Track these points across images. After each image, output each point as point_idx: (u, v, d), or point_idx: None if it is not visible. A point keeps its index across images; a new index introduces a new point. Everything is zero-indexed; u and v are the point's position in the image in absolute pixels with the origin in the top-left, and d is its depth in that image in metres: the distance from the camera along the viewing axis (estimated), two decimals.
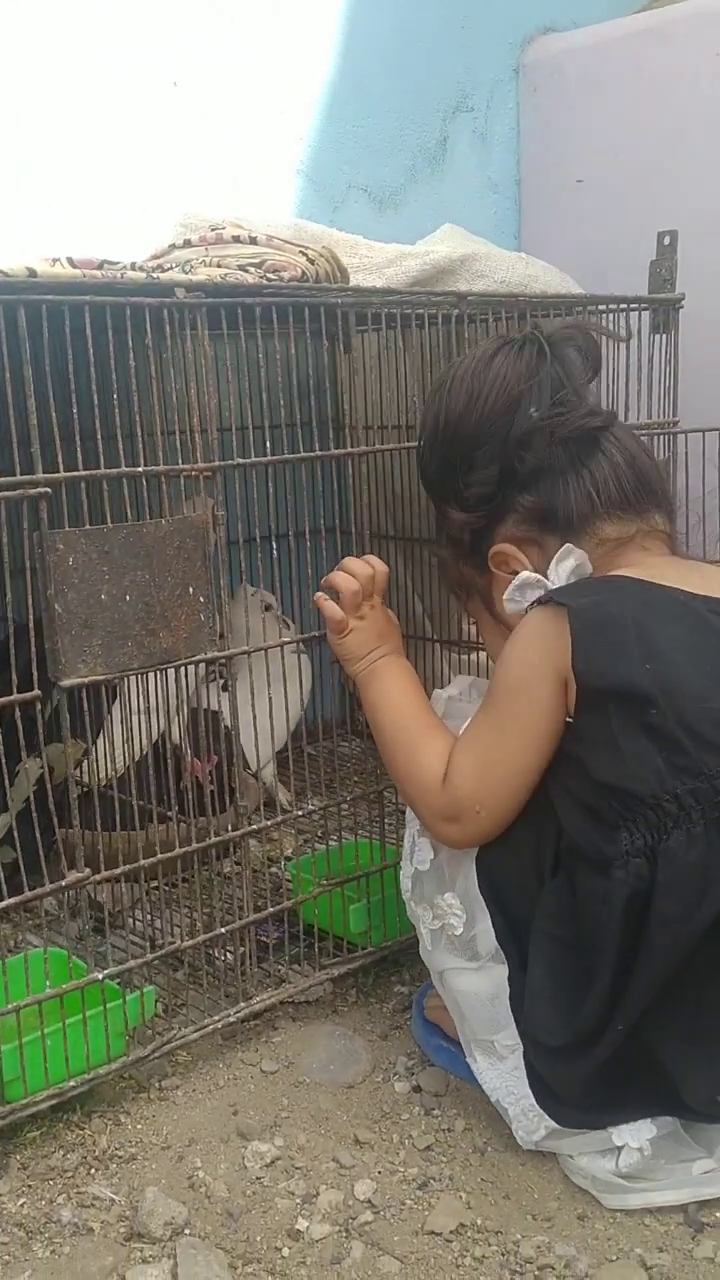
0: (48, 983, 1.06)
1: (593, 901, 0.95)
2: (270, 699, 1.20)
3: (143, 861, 1.11)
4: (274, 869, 1.48)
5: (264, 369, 1.14)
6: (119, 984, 1.11)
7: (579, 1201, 0.99)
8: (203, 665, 1.14)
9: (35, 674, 1.00)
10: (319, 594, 1.16)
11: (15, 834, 1.29)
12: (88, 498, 1.02)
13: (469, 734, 1.04)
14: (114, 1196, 1.00)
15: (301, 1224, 0.96)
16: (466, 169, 2.09)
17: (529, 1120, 1.02)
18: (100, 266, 1.07)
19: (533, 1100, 1.01)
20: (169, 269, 1.17)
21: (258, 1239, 0.95)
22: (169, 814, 1.18)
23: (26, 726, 0.99)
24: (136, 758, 1.24)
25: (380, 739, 1.11)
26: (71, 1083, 1.06)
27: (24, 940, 1.30)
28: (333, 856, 1.31)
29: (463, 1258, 0.93)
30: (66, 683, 1.01)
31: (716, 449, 1.51)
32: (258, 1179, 1.02)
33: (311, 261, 1.17)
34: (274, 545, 1.20)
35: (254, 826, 1.21)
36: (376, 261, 1.35)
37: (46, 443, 0.98)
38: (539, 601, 1.00)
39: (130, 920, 1.34)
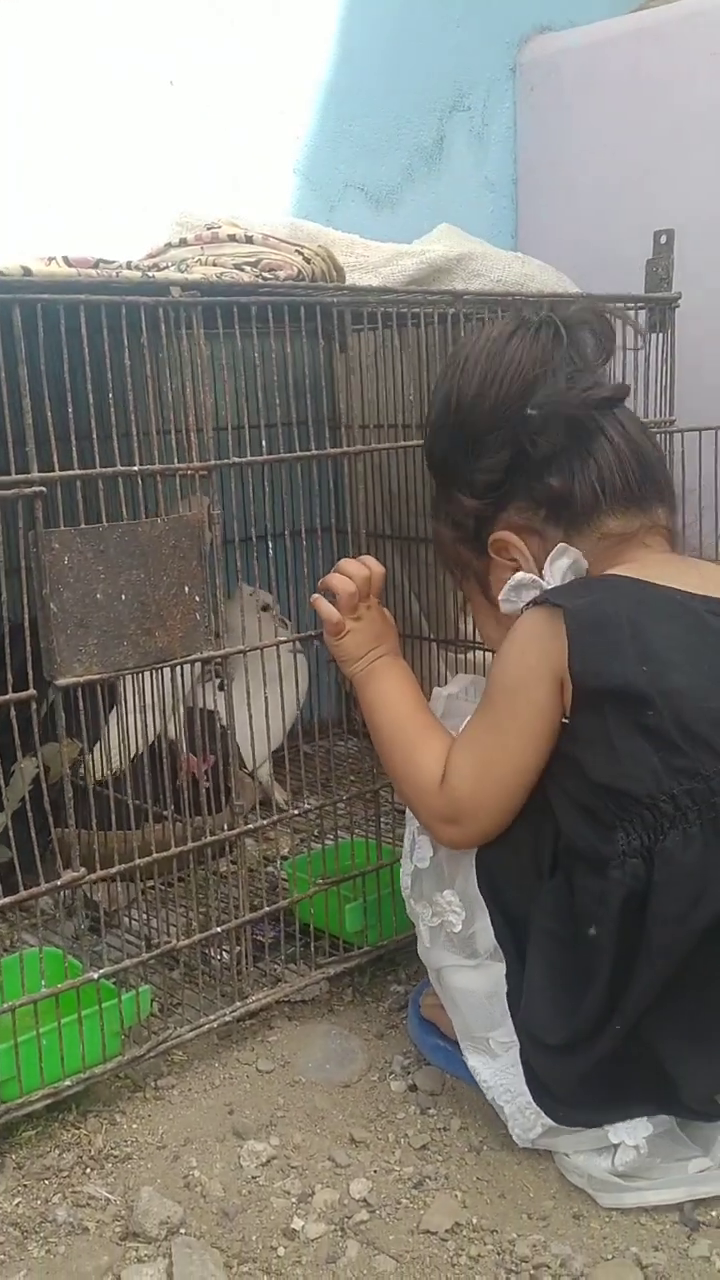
0: (43, 982, 1.06)
1: (590, 901, 0.96)
2: (266, 698, 1.20)
3: (138, 861, 1.11)
4: (270, 868, 1.48)
5: (260, 368, 1.14)
6: (114, 983, 1.11)
7: (575, 1200, 0.99)
8: (199, 665, 1.14)
9: (30, 673, 0.99)
10: (315, 595, 1.16)
11: (11, 833, 1.29)
12: (83, 497, 1.02)
13: (466, 735, 1.04)
14: (109, 1196, 1.00)
15: (297, 1223, 0.96)
16: (463, 168, 2.09)
17: (525, 1118, 1.02)
18: (96, 265, 1.07)
19: (529, 1098, 1.01)
20: (165, 268, 1.17)
21: (253, 1238, 0.95)
22: (165, 813, 1.18)
23: (22, 726, 0.99)
24: (133, 757, 1.24)
25: (378, 740, 1.11)
26: (67, 1082, 1.06)
27: (20, 940, 1.30)
28: (328, 856, 1.31)
29: (458, 1257, 0.93)
30: (62, 682, 1.01)
31: (713, 448, 1.51)
32: (253, 1178, 1.02)
33: (307, 260, 1.17)
34: (270, 545, 1.20)
35: (250, 826, 1.21)
36: (373, 260, 1.35)
37: (42, 442, 0.98)
38: (535, 602, 1.00)
39: (126, 920, 1.33)
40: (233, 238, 1.22)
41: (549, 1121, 1.00)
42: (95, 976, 1.08)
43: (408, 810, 1.13)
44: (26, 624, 1.00)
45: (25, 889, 1.03)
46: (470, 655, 1.59)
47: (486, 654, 1.51)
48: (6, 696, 0.99)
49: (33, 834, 1.04)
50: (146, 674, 1.10)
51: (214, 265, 1.16)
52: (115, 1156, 1.04)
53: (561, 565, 1.02)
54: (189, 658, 1.10)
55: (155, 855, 1.13)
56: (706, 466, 1.48)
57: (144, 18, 1.68)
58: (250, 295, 1.12)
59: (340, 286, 1.20)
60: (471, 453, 1.07)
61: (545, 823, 1.01)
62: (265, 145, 1.82)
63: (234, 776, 1.19)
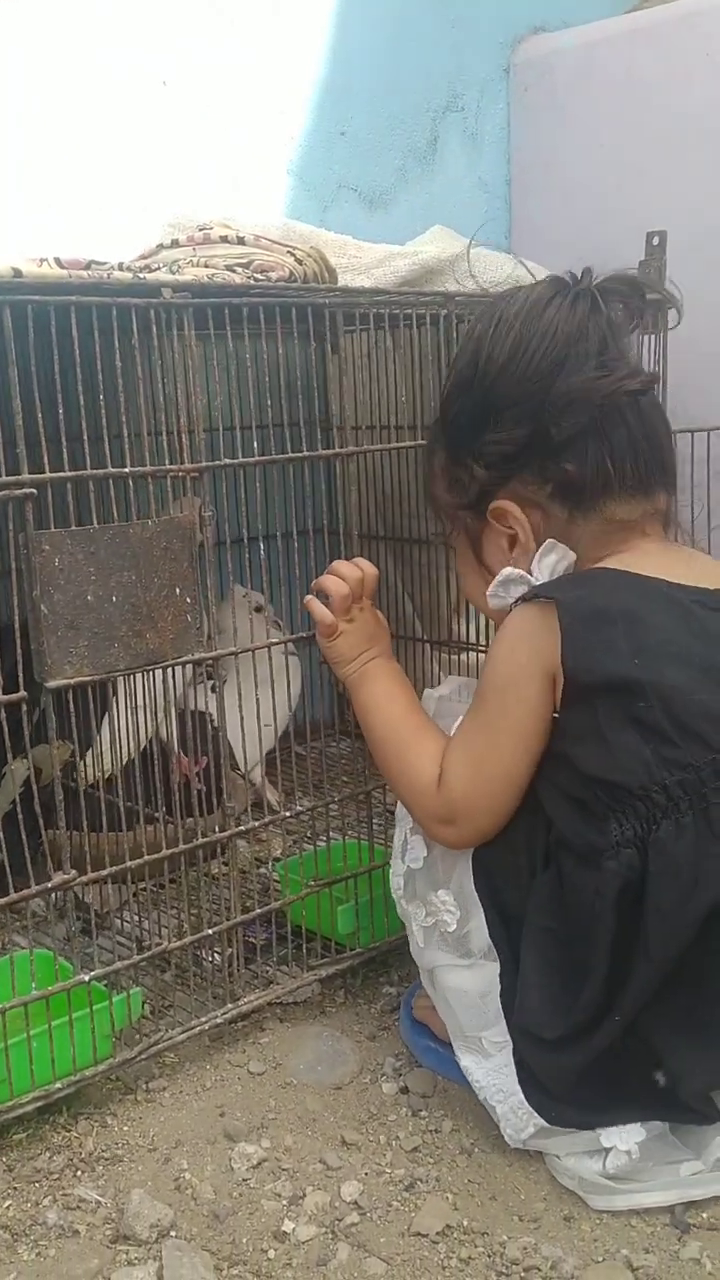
0: (34, 984, 1.06)
1: (585, 894, 0.96)
2: (258, 700, 1.20)
3: (130, 863, 1.11)
4: (262, 870, 1.48)
5: (251, 369, 1.14)
6: (106, 985, 1.11)
7: (566, 1203, 0.99)
8: (191, 666, 1.14)
9: (21, 675, 0.99)
10: (309, 597, 1.16)
11: (2, 836, 1.28)
12: (74, 499, 1.02)
13: (460, 735, 1.04)
14: (100, 1199, 0.99)
15: (288, 1225, 0.96)
16: (457, 169, 2.09)
17: (517, 1118, 1.02)
18: (88, 267, 1.06)
19: (521, 1098, 1.01)
20: (156, 269, 1.17)
21: (244, 1241, 0.95)
22: (156, 815, 1.18)
23: (12, 728, 0.99)
24: (124, 760, 1.23)
25: (372, 742, 1.11)
26: (58, 1085, 1.06)
27: (10, 941, 1.30)
28: (320, 857, 1.31)
29: (449, 1259, 0.93)
30: (52, 684, 1.01)
31: (706, 449, 1.51)
32: (244, 1180, 1.01)
33: (299, 262, 1.17)
34: (263, 546, 1.20)
35: (242, 828, 1.21)
36: (365, 262, 1.35)
37: (32, 443, 0.98)
38: (524, 598, 1.00)
39: (117, 921, 1.33)
40: (224, 239, 1.22)
41: (541, 1122, 1.00)
42: (86, 978, 1.08)
43: (398, 811, 1.13)
44: (17, 626, 1.00)
45: (16, 891, 1.03)
46: (464, 657, 1.59)
47: (480, 655, 1.51)
48: None
49: (23, 836, 1.04)
50: (138, 676, 1.10)
51: (206, 266, 1.15)
52: (106, 1159, 1.04)
53: (550, 561, 1.03)
54: (180, 659, 1.10)
55: (147, 857, 1.13)
56: (698, 468, 1.48)
57: (143, 18, 1.67)
58: (242, 297, 1.12)
59: (332, 288, 1.20)
60: (489, 421, 1.05)
61: (538, 819, 1.01)
62: (260, 145, 1.82)
63: (226, 778, 1.19)
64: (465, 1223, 0.96)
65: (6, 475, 0.97)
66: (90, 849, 1.08)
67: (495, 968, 1.04)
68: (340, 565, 1.15)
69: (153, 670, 1.08)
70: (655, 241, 1.49)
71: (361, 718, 1.13)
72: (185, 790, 1.20)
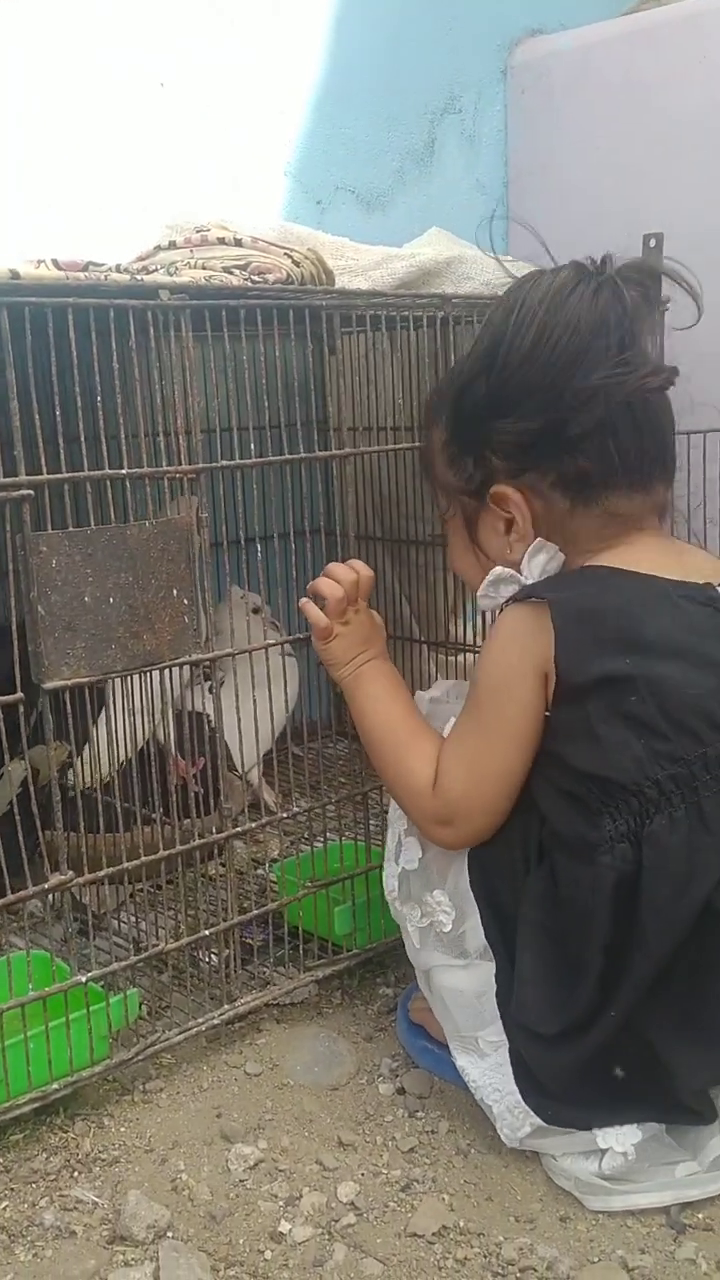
0: (31, 985, 1.06)
1: (581, 889, 0.96)
2: (255, 701, 1.20)
3: (127, 864, 1.11)
4: (259, 871, 1.48)
5: (249, 370, 1.14)
6: (103, 986, 1.11)
7: (561, 1203, 0.99)
8: (188, 668, 1.14)
9: (18, 677, 0.99)
10: (303, 600, 1.16)
11: None
12: (71, 500, 1.02)
13: (455, 737, 1.04)
14: (96, 1199, 1.00)
15: (284, 1226, 0.96)
16: (454, 170, 2.09)
17: (514, 1117, 1.02)
18: (85, 269, 1.06)
19: (518, 1097, 1.01)
20: (153, 271, 1.17)
21: (240, 1242, 0.95)
22: (154, 816, 1.18)
23: (10, 729, 0.99)
24: (121, 761, 1.24)
25: (368, 744, 1.12)
26: (55, 1085, 1.06)
27: (7, 942, 1.30)
28: (318, 858, 1.31)
29: (445, 1260, 0.93)
30: (49, 685, 1.01)
31: (701, 451, 1.51)
32: (241, 1181, 1.02)
33: (296, 264, 1.17)
34: (259, 547, 1.21)
35: (239, 829, 1.21)
36: (362, 264, 1.35)
37: (30, 445, 0.98)
38: (515, 598, 1.00)
39: (115, 922, 1.33)
40: (222, 241, 1.22)
41: (537, 1121, 1.00)
42: (83, 979, 1.08)
43: (391, 813, 1.13)
44: (14, 627, 1.00)
45: (13, 892, 1.03)
46: (460, 657, 1.59)
47: (477, 656, 1.51)
48: None
49: (20, 837, 1.04)
50: (135, 677, 1.10)
51: (203, 268, 1.15)
52: (103, 1160, 1.04)
53: (539, 561, 1.03)
54: (177, 661, 1.10)
55: (144, 858, 1.13)
56: (695, 471, 1.48)
57: (143, 18, 1.67)
58: (239, 299, 1.12)
59: (329, 290, 1.20)
60: (505, 410, 1.02)
61: (531, 816, 1.02)
62: (258, 147, 1.82)
63: (223, 779, 1.19)
64: (461, 1223, 0.97)
65: (4, 477, 0.98)
66: (87, 850, 1.08)
67: (491, 967, 1.04)
68: (335, 568, 1.15)
69: (150, 671, 1.09)
70: (652, 244, 1.50)
71: (357, 720, 1.13)
72: (182, 791, 1.20)
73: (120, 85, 1.66)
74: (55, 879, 1.05)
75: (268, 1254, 0.94)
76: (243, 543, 1.18)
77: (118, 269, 1.09)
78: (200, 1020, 1.17)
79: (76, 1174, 1.03)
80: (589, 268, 1.02)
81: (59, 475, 1.00)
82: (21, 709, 1.00)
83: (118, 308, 1.02)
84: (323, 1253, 0.94)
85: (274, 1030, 1.23)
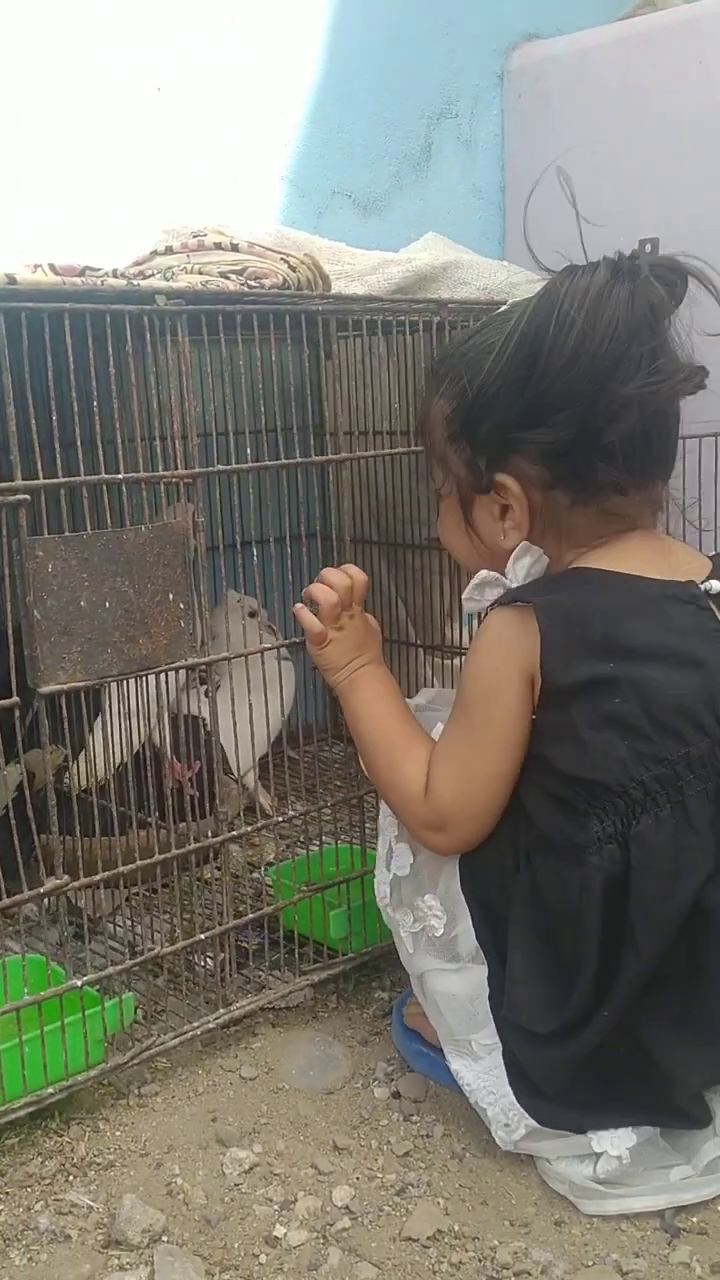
0: (26, 989, 1.06)
1: (571, 891, 0.97)
2: (251, 705, 1.20)
3: (122, 868, 1.11)
4: (255, 874, 1.48)
5: (245, 375, 1.14)
6: (98, 990, 1.11)
7: (556, 1207, 0.99)
8: (184, 672, 1.14)
9: (14, 681, 1.00)
10: (297, 605, 1.16)
11: None
12: (68, 505, 1.02)
13: (444, 743, 1.05)
14: (92, 1204, 1.00)
15: (279, 1231, 0.96)
16: (451, 175, 2.09)
17: (508, 1119, 1.02)
18: (82, 273, 1.07)
19: (512, 1099, 1.01)
20: (150, 276, 1.17)
21: (235, 1246, 0.95)
22: (149, 819, 1.18)
23: (5, 733, 0.99)
24: (117, 765, 1.24)
25: (362, 749, 1.12)
26: (50, 1090, 1.06)
27: (3, 946, 1.30)
28: (313, 862, 1.31)
29: (440, 1264, 0.93)
30: (45, 690, 1.01)
31: (696, 454, 1.51)
32: (236, 1186, 1.02)
33: (293, 269, 1.17)
34: (255, 551, 1.21)
35: (235, 832, 1.21)
36: (359, 269, 1.36)
37: (26, 450, 0.98)
38: (500, 602, 1.00)
39: (110, 926, 1.33)
40: (219, 245, 1.22)
41: (532, 1123, 1.01)
42: (79, 984, 1.08)
43: (381, 820, 1.13)
44: (10, 631, 1.00)
45: (8, 895, 1.03)
46: (456, 661, 1.60)
47: (464, 661, 1.52)
48: None
49: (15, 841, 1.04)
50: (131, 682, 1.10)
51: (200, 273, 1.16)
52: (98, 1164, 1.04)
53: (524, 564, 1.03)
54: (173, 665, 1.10)
55: (140, 862, 1.13)
56: (690, 473, 1.49)
57: (143, 19, 1.68)
58: (235, 304, 1.12)
59: (325, 295, 1.21)
60: (537, 420, 0.99)
61: (520, 818, 1.02)
62: (255, 151, 1.83)
63: (219, 782, 1.19)
64: (456, 1227, 0.97)
65: (0, 482, 0.98)
66: (83, 854, 1.08)
67: (483, 970, 1.04)
68: (329, 573, 1.16)
69: (146, 676, 1.09)
70: (648, 249, 1.50)
71: (351, 725, 1.13)
72: (178, 795, 1.20)
73: (120, 86, 1.66)
74: (51, 883, 1.05)
75: (262, 1258, 0.94)
76: (239, 547, 1.19)
77: (114, 274, 1.09)
78: (196, 1024, 1.17)
79: (71, 1178, 1.03)
80: (623, 265, 0.99)
81: (55, 480, 1.01)
82: (17, 713, 1.00)
83: (114, 313, 1.03)
84: (317, 1257, 0.94)
85: (269, 1034, 1.23)
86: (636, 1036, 0.97)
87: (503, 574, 1.05)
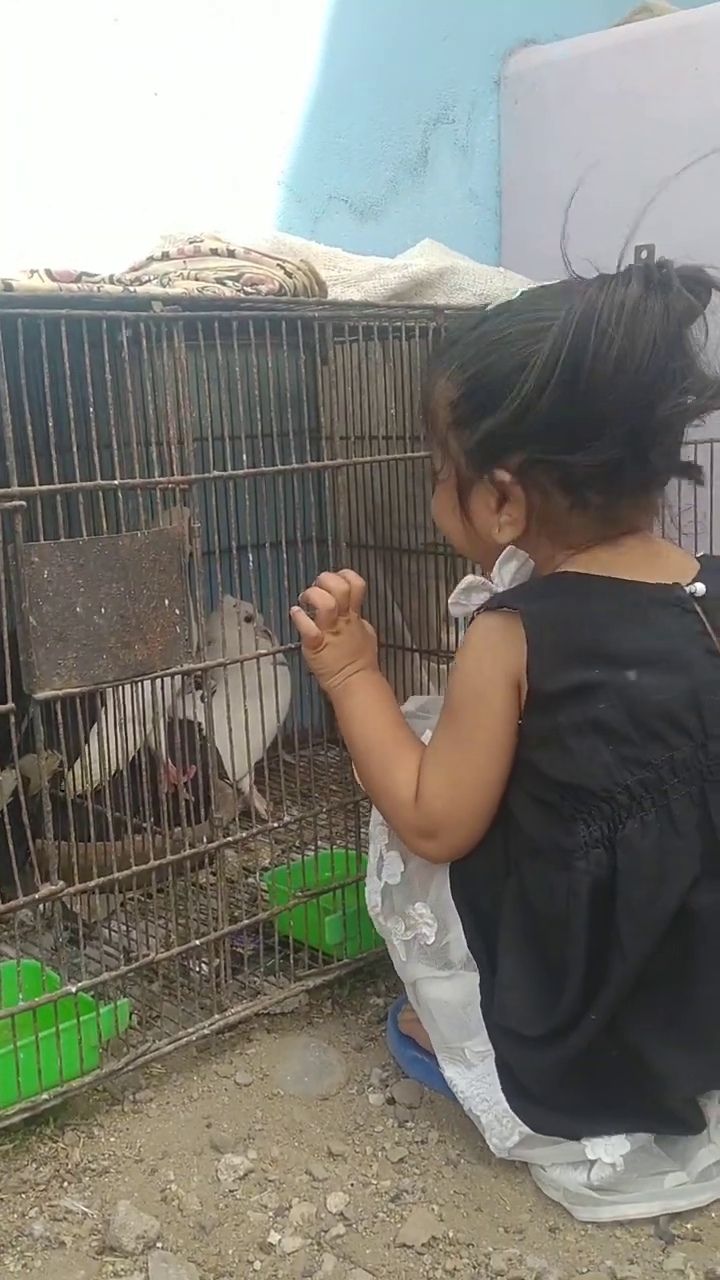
0: (21, 996, 1.06)
1: (559, 895, 0.97)
2: (246, 710, 1.20)
3: (118, 873, 1.11)
4: (250, 880, 1.48)
5: (241, 380, 1.14)
6: (93, 996, 1.11)
7: (551, 1214, 0.99)
8: (180, 677, 1.14)
9: (9, 687, 1.00)
10: (294, 609, 1.16)
11: None
12: (64, 511, 1.02)
13: (433, 750, 1.05)
14: (86, 1210, 1.00)
15: (274, 1237, 0.96)
16: (447, 180, 2.10)
17: (502, 1127, 1.02)
18: (78, 279, 1.07)
19: (506, 1106, 1.01)
20: (146, 281, 1.17)
21: (230, 1252, 0.95)
22: (144, 825, 1.18)
23: (1, 739, 0.99)
24: (113, 771, 1.24)
25: (354, 755, 1.12)
26: (44, 1096, 1.06)
27: None
28: (308, 867, 1.31)
29: (435, 1270, 0.93)
30: (40, 695, 1.01)
31: (693, 458, 1.51)
32: (230, 1192, 1.02)
33: (289, 275, 1.17)
34: (251, 556, 1.21)
35: (230, 838, 1.21)
36: (355, 274, 1.36)
37: (22, 455, 0.98)
38: (487, 606, 1.01)
39: (105, 931, 1.33)
40: (215, 251, 1.22)
41: (526, 1130, 1.01)
42: (74, 990, 1.08)
43: (372, 829, 1.13)
44: (5, 637, 1.00)
45: (4, 901, 1.03)
46: (452, 666, 1.60)
47: (451, 666, 1.52)
48: None
49: (11, 846, 1.04)
50: (126, 687, 1.10)
51: (196, 279, 1.16)
52: (92, 1170, 1.04)
53: (510, 568, 1.04)
54: (169, 671, 1.10)
55: (135, 867, 1.13)
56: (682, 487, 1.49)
57: (143, 20, 1.68)
58: (232, 310, 1.12)
59: (321, 301, 1.21)
60: (578, 443, 0.96)
61: (509, 823, 1.03)
62: (253, 155, 1.83)
63: (214, 787, 1.19)
64: (451, 1234, 0.97)
65: None
66: (78, 859, 1.08)
67: (475, 978, 1.05)
68: (326, 578, 1.16)
69: (141, 681, 1.09)
70: (644, 255, 1.50)
71: (344, 730, 1.13)
72: (173, 800, 1.20)
73: (120, 86, 1.67)
74: (46, 889, 1.05)
75: (257, 1264, 0.94)
76: (235, 551, 1.19)
77: (111, 280, 1.10)
78: (190, 1030, 1.17)
79: (66, 1184, 1.03)
80: (654, 275, 0.96)
81: (51, 486, 1.01)
82: (12, 719, 1.00)
83: (110, 319, 1.03)
84: (312, 1263, 0.94)
85: (264, 1040, 1.23)
86: (627, 1040, 0.98)
87: (492, 563, 1.05)
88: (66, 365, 0.99)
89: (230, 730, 1.20)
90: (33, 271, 1.06)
